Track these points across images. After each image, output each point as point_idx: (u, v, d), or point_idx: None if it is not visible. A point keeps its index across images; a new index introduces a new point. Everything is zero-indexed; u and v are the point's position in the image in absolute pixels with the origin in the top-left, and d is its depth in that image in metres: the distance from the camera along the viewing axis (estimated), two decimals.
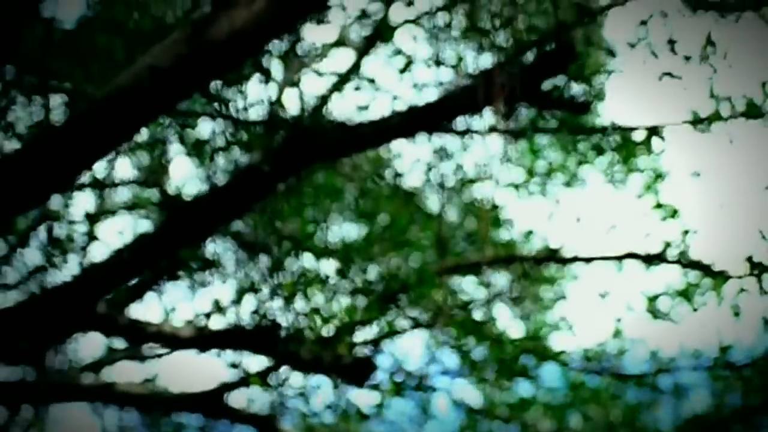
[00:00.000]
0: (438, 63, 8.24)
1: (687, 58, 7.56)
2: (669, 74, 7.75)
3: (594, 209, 9.57)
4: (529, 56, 7.23)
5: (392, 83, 9.15)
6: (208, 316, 8.21)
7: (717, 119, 8.11)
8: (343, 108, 9.21)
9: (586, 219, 9.57)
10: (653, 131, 8.33)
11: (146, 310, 8.67)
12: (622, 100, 8.54)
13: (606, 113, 8.29)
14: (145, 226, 8.69)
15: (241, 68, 6.76)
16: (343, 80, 9.44)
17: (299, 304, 8.47)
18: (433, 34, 8.41)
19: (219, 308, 8.19)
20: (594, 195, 9.46)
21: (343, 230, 9.10)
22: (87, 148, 6.02)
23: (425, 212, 9.36)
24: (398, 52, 9.03)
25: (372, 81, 9.29)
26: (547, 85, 7.10)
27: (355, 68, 9.48)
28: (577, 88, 7.15)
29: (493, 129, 7.73)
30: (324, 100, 9.30)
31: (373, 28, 9.24)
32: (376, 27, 9.20)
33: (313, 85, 9.26)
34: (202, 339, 7.87)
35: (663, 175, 9.10)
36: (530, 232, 9.53)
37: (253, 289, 8.39)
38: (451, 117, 7.11)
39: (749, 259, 8.84)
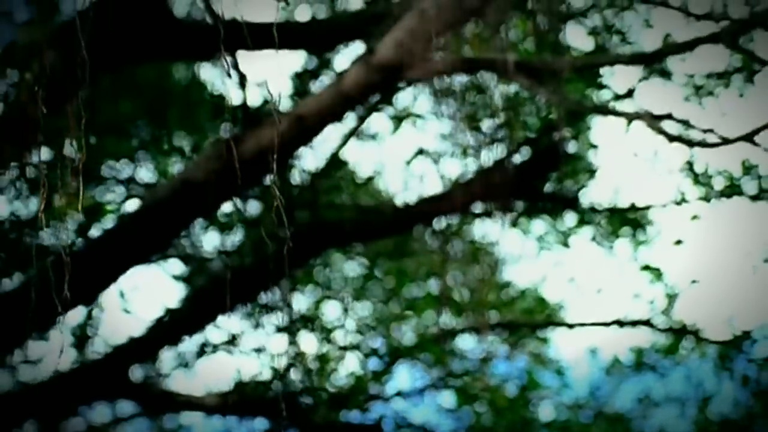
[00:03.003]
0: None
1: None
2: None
3: (582, 272, 10.27)
4: (524, 153, 7.96)
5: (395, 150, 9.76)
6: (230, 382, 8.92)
7: (698, 199, 8.79)
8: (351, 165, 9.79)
9: (575, 281, 10.27)
10: (638, 210, 9.02)
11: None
12: (609, 177, 9.22)
13: (594, 193, 9.01)
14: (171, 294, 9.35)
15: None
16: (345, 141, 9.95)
17: (312, 368, 9.19)
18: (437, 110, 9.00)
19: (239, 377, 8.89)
20: (582, 258, 10.13)
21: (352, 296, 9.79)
22: (127, 255, 6.73)
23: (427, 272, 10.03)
24: (401, 119, 9.60)
25: (374, 136, 9.79)
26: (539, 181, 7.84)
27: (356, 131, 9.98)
28: (566, 183, 7.85)
29: (490, 214, 8.45)
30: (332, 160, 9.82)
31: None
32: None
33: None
34: (226, 407, 8.58)
35: (648, 242, 9.78)
36: (525, 293, 10.24)
37: (270, 355, 9.10)
38: (451, 210, 7.83)
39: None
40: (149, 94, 9.51)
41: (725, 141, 6.29)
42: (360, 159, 9.96)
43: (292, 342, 9.21)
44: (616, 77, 8.01)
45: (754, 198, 9.15)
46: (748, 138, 6.20)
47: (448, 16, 6.51)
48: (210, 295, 8.38)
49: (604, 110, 7.38)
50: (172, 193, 6.73)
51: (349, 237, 8.01)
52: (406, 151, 9.35)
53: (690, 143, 6.43)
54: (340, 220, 8.07)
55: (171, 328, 8.38)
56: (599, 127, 8.87)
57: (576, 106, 6.73)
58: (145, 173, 9.15)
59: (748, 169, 9.14)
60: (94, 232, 7.74)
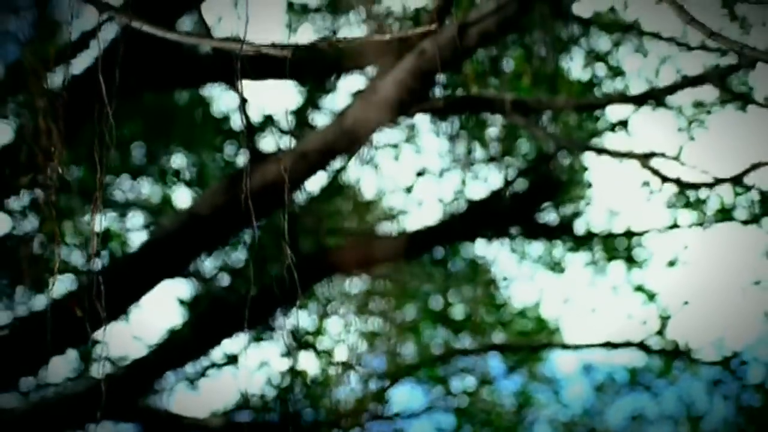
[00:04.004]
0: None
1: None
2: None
3: (577, 292, 10.50)
4: (520, 181, 8.21)
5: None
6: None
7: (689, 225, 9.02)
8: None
9: (570, 301, 10.51)
10: (632, 235, 9.26)
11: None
12: (603, 202, 9.45)
13: (589, 218, 9.24)
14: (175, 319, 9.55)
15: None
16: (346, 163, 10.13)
17: (313, 387, 9.41)
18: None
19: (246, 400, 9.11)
20: (577, 279, 10.37)
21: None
22: (136, 287, 6.95)
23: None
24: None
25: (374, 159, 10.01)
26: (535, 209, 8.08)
27: None
28: (561, 211, 8.09)
29: (488, 239, 8.69)
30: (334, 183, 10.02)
31: None
32: None
33: None
34: (231, 428, 8.80)
35: (641, 264, 10.02)
36: (522, 313, 10.48)
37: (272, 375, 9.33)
38: (450, 237, 8.07)
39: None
40: (152, 115, 9.69)
41: (716, 182, 6.52)
42: (362, 182, 10.19)
43: (293, 362, 9.43)
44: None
45: (745, 223, 9.39)
46: (737, 180, 6.43)
47: (448, 56, 6.74)
48: (214, 318, 8.60)
49: (597, 149, 7.62)
50: (180, 227, 6.95)
51: (351, 265, 8.23)
52: (408, 174, 9.56)
53: (680, 183, 6.66)
54: (343, 248, 8.29)
55: (176, 350, 8.59)
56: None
57: (569, 144, 6.96)
58: (149, 198, 9.37)
59: (739, 194, 9.37)
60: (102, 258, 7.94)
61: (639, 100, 7.44)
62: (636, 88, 7.77)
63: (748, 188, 6.46)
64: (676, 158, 6.80)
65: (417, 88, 6.72)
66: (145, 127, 9.71)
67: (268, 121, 8.70)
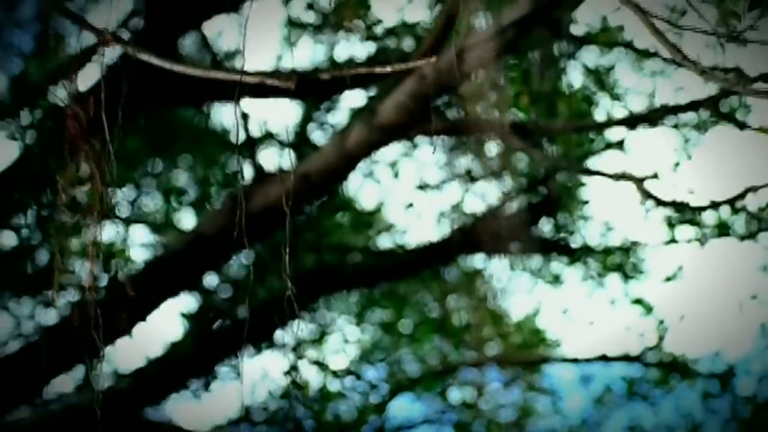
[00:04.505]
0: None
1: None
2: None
3: (575, 304, 10.61)
4: (519, 199, 8.32)
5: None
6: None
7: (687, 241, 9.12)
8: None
9: (568, 313, 10.62)
10: (629, 250, 9.37)
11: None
12: (601, 216, 9.56)
13: (586, 233, 9.35)
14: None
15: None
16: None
17: (314, 399, 9.54)
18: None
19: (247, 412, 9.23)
20: (575, 292, 10.48)
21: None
22: (140, 305, 7.06)
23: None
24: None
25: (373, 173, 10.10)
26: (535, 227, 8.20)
27: None
28: (559, 226, 8.20)
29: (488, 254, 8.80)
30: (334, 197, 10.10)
31: None
32: None
33: None
34: None
35: (639, 278, 10.13)
36: (521, 325, 10.59)
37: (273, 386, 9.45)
38: (452, 255, 8.18)
39: None
40: (155, 132, 9.78)
41: (711, 205, 6.62)
42: (362, 195, 10.28)
43: (295, 375, 9.54)
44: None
45: (742, 238, 9.49)
46: (732, 202, 6.54)
47: (447, 80, 6.84)
48: (216, 331, 8.72)
49: (593, 172, 7.73)
50: (185, 245, 7.07)
51: (351, 282, 8.35)
52: (407, 189, 9.65)
53: (675, 205, 6.76)
54: (343, 265, 8.40)
55: (178, 363, 8.69)
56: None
57: (566, 166, 7.07)
58: (153, 213, 9.45)
59: (736, 210, 9.48)
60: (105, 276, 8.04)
61: (635, 122, 7.54)
62: (634, 106, 7.90)
63: (743, 210, 6.55)
64: (671, 180, 6.90)
65: (417, 111, 6.82)
66: (148, 143, 9.79)
67: (269, 137, 8.80)
